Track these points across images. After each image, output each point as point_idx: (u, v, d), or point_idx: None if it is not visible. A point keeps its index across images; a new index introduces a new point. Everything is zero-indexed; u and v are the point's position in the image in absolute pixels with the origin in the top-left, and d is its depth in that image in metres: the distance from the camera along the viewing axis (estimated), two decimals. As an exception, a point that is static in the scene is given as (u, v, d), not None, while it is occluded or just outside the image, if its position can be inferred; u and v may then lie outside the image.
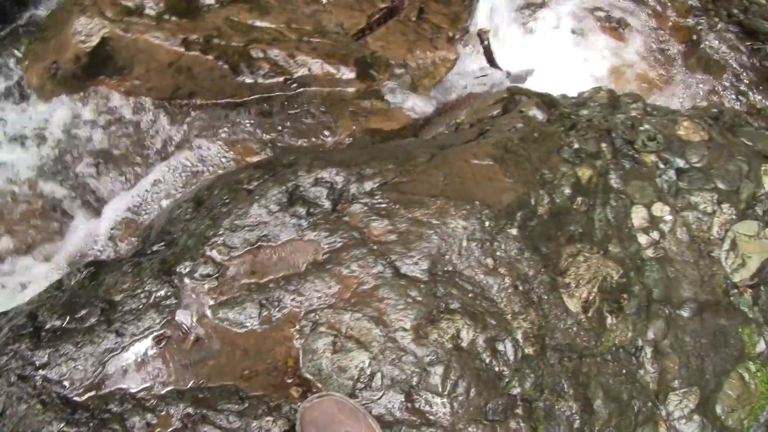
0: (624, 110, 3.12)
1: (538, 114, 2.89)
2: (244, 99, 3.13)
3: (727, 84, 3.77)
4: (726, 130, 3.39)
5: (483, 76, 3.34)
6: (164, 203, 3.12)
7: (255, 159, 3.00)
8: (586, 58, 3.90)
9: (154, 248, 2.54)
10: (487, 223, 2.46)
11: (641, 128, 3.00)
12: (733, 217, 2.88)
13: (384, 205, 2.48)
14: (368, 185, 2.53)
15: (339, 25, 3.36)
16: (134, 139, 3.19)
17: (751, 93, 3.77)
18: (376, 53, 3.24)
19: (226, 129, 3.11)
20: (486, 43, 3.44)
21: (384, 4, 3.38)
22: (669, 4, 4.06)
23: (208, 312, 2.28)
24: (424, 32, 3.32)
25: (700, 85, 3.80)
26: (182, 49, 3.13)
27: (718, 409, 2.58)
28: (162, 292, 2.30)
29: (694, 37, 3.94)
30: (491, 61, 3.47)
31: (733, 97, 3.75)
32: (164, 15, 3.20)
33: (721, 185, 2.93)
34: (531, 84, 3.61)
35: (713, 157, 3.00)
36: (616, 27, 4.00)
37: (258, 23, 3.25)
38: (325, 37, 3.24)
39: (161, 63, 3.13)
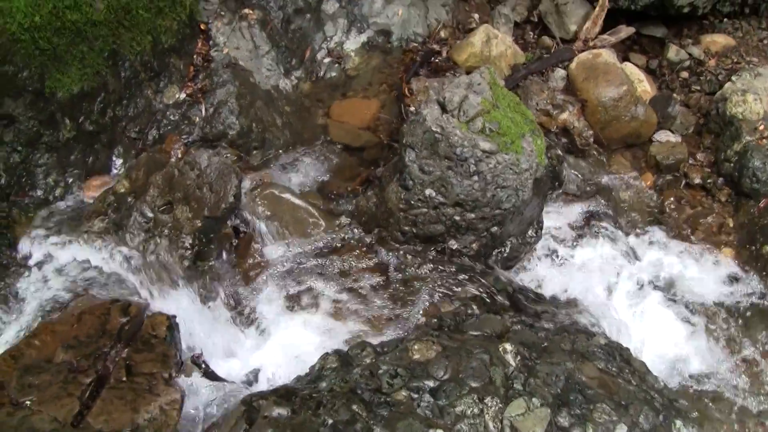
0: (358, 362, 3.15)
1: (281, 411, 2.80)
2: None
3: (432, 291, 4.03)
4: (453, 332, 3.58)
5: (215, 399, 3.23)
6: None
7: None
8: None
9: None
10: None
11: (380, 371, 3.04)
12: (500, 405, 2.95)
13: None
14: None
15: (53, 419, 3.08)
16: None
17: (451, 284, 4.05)
18: (103, 430, 3.00)
19: None
20: (203, 366, 3.38)
21: (89, 378, 3.19)
22: (357, 253, 4.31)
23: None
24: (140, 386, 3.16)
25: (413, 303, 4.01)
26: None
27: None
28: None
29: (390, 268, 4.21)
30: (216, 379, 3.40)
31: (440, 298, 3.99)
32: None
33: (474, 384, 3.02)
34: (270, 377, 3.57)
35: (454, 362, 3.11)
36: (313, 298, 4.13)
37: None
38: (43, 437, 2.94)
39: None
